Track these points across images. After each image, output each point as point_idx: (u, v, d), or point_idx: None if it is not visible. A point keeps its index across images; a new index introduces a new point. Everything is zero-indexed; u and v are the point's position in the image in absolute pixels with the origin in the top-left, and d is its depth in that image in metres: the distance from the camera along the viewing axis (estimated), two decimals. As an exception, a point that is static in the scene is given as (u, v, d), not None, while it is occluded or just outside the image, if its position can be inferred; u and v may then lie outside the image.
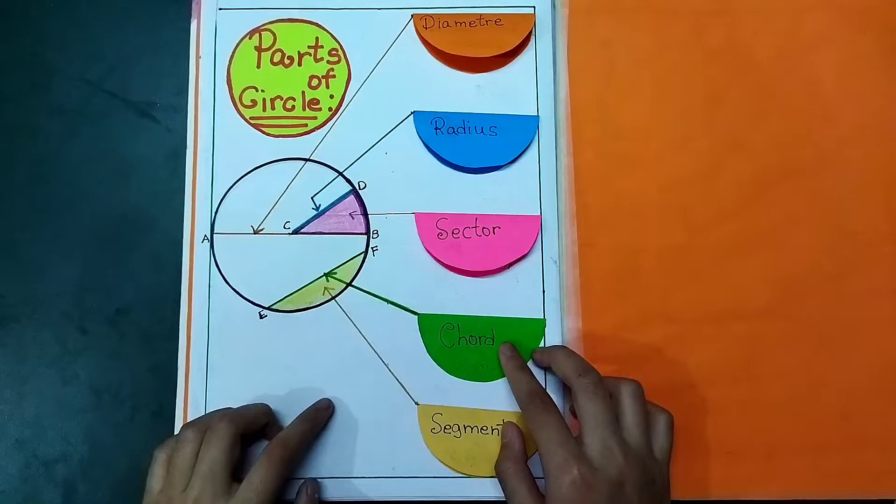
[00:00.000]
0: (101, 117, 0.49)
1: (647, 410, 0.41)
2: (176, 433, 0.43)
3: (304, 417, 0.44)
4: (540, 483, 0.40)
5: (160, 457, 0.41)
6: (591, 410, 0.39)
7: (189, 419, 0.45)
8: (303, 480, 0.44)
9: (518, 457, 0.42)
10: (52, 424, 0.46)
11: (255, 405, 0.44)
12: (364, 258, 0.47)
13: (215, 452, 0.39)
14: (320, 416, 0.45)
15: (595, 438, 0.39)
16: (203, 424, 0.41)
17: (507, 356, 0.45)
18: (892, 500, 0.46)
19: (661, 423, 0.41)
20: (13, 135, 0.49)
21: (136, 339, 0.47)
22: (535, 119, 0.48)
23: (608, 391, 0.40)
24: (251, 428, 0.42)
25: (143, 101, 0.49)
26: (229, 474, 0.40)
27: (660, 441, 0.41)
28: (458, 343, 0.46)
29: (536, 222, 0.47)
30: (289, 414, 0.45)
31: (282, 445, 0.41)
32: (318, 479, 0.45)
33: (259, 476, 0.39)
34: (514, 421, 0.45)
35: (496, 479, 0.43)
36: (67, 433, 0.46)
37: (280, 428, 0.45)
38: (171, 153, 0.49)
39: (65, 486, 0.46)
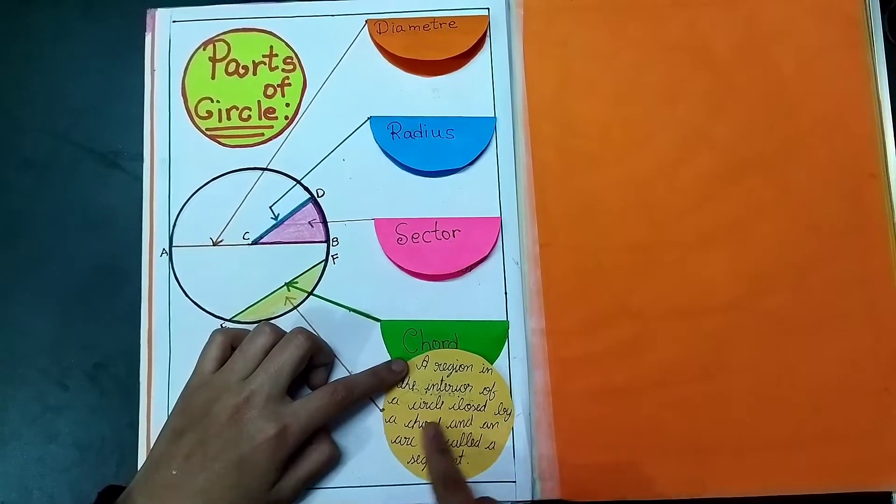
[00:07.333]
0: (69, 169, 0.49)
1: None
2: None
3: (374, 371, 0.44)
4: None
5: (219, 339, 0.41)
6: None
7: (152, 434, 0.45)
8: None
9: None
10: (38, 484, 0.46)
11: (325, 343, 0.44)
12: (325, 266, 0.47)
13: (288, 357, 0.39)
14: (390, 376, 0.44)
15: None
16: (281, 330, 0.41)
17: (428, 437, 0.44)
18: (868, 493, 0.45)
19: None
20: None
21: (117, 393, 0.46)
22: (492, 120, 0.48)
23: None
24: (318, 357, 0.42)
25: (110, 151, 0.49)
26: (288, 384, 0.39)
27: None
28: (421, 348, 0.46)
29: (496, 224, 0.47)
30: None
31: (347, 389, 0.41)
32: None
33: (316, 404, 0.39)
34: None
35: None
36: (53, 491, 0.46)
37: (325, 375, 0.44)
38: (139, 202, 0.48)
39: (55, 545, 0.45)
